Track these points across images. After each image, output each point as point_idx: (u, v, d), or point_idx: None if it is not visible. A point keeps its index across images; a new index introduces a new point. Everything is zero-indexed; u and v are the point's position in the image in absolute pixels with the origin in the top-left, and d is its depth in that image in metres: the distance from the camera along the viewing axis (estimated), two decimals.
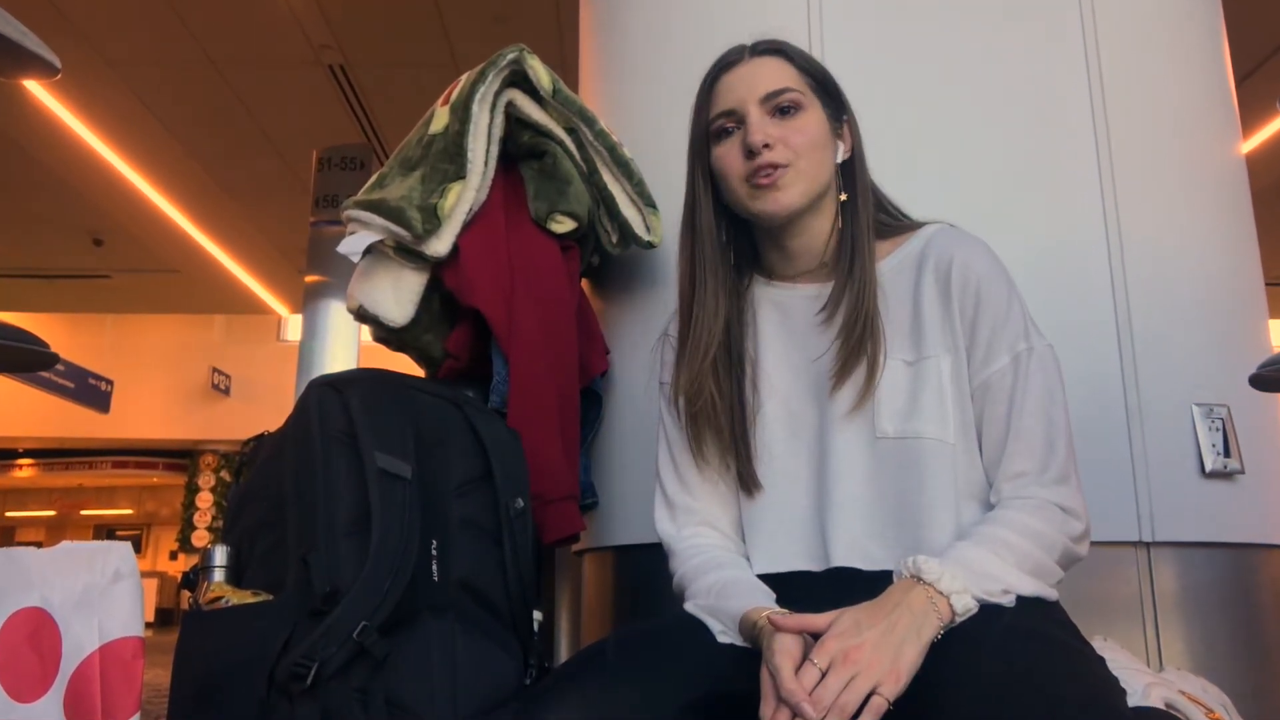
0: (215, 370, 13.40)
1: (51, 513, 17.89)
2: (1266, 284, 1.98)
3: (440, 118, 1.64)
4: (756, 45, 1.20)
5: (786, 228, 1.18)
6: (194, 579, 1.32)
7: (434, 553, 1.28)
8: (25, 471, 15.93)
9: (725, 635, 1.05)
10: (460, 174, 1.58)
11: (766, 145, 1.13)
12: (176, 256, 10.24)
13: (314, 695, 1.11)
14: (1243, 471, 1.65)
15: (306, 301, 7.10)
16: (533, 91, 1.67)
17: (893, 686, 0.87)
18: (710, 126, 1.19)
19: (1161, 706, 1.22)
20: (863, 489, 1.11)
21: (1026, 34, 1.80)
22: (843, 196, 1.18)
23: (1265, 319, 1.90)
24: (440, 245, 1.56)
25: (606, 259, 1.86)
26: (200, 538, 14.00)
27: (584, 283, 1.92)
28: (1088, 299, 1.68)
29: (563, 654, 1.99)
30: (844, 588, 1.05)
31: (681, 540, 1.20)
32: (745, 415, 1.19)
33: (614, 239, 1.76)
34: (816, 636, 0.93)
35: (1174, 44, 1.91)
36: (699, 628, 1.07)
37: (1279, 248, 4.90)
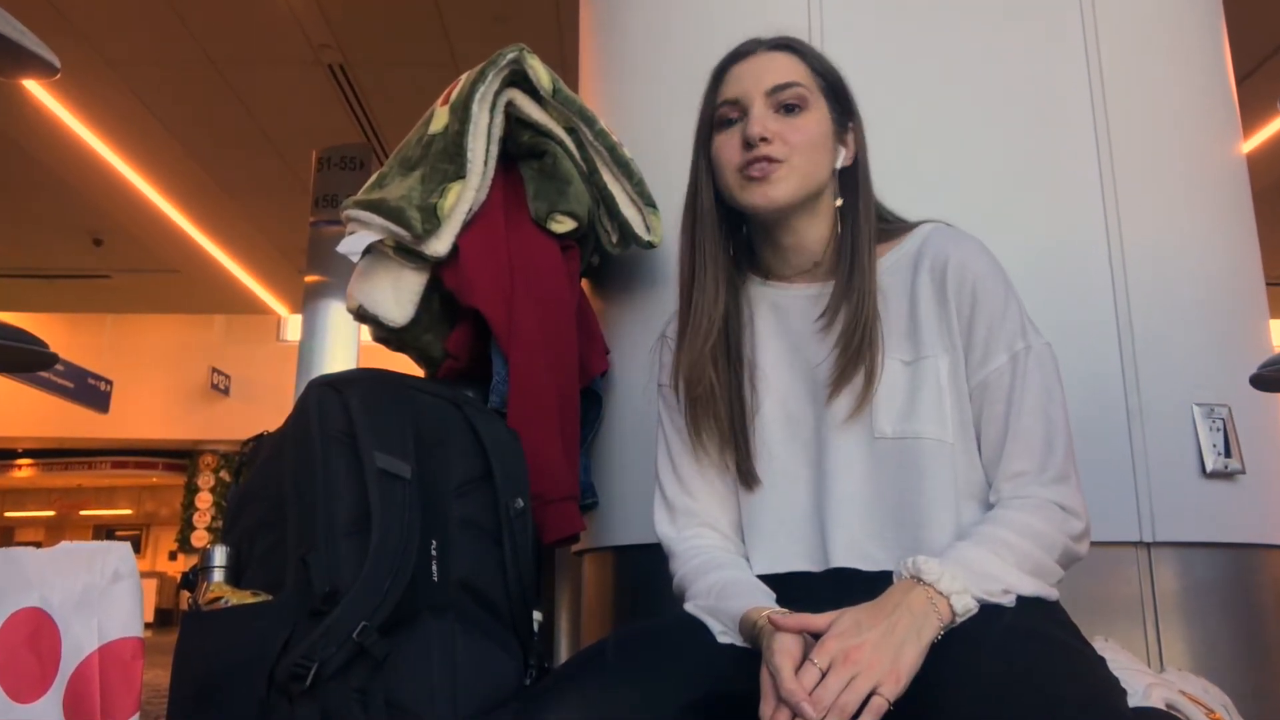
0: (215, 370, 13.41)
1: (51, 513, 17.89)
2: (1267, 284, 1.98)
3: (440, 117, 1.64)
4: (772, 40, 1.20)
5: (780, 225, 1.18)
6: (193, 579, 1.31)
7: (434, 553, 1.28)
8: (24, 472, 15.93)
9: (725, 635, 1.05)
10: (460, 174, 1.58)
11: (764, 139, 1.12)
12: (176, 256, 10.24)
13: (314, 695, 1.11)
14: (1243, 471, 1.65)
15: (306, 301, 7.10)
16: (533, 91, 1.67)
17: (893, 687, 0.87)
18: (715, 113, 1.18)
19: (1162, 707, 1.22)
20: (861, 489, 1.11)
21: (1027, 34, 1.80)
22: (838, 202, 1.18)
23: (1266, 319, 1.89)
24: (440, 245, 1.56)
25: (606, 259, 1.86)
26: (200, 538, 14.00)
27: (584, 283, 1.92)
28: (1088, 299, 1.68)
29: (563, 654, 1.98)
30: (844, 588, 1.05)
31: (681, 542, 1.20)
32: (744, 411, 1.19)
33: (614, 239, 1.76)
34: (817, 637, 0.93)
35: (1174, 44, 1.91)
36: (699, 628, 1.07)
37: None
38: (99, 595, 1.18)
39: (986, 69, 1.78)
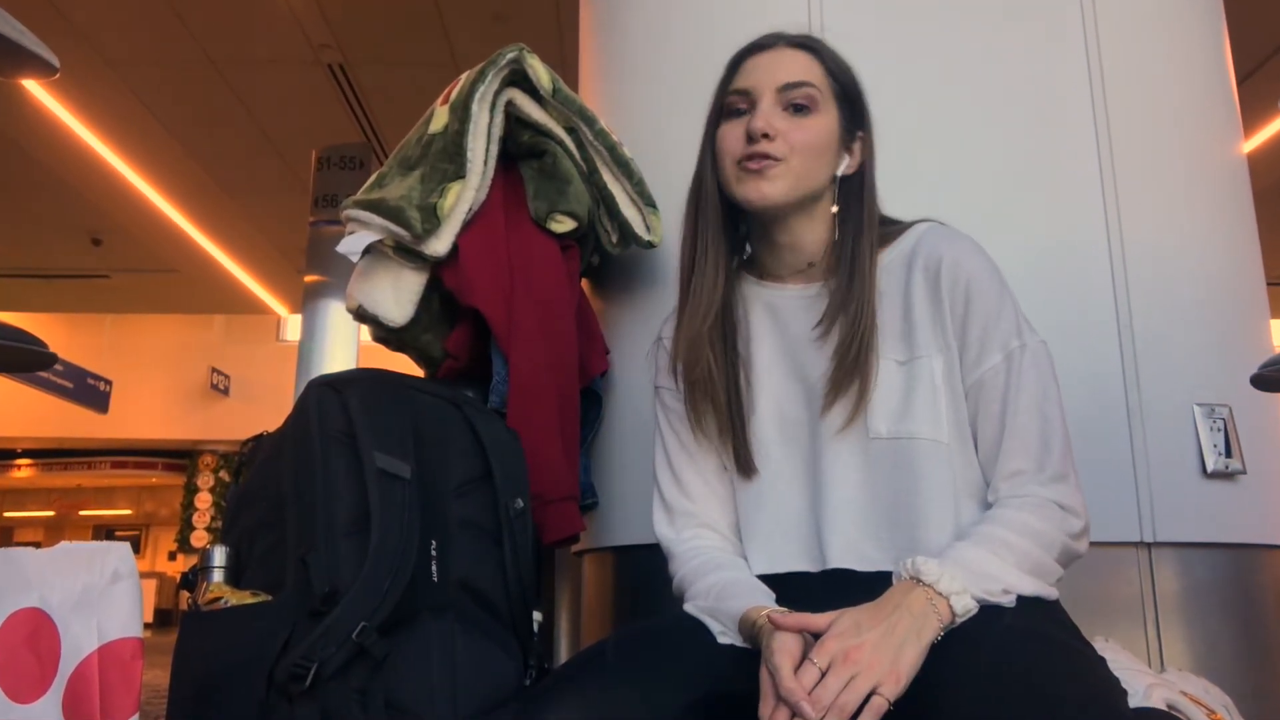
0: (214, 370, 13.40)
1: (50, 513, 17.89)
2: (1268, 284, 1.98)
3: (440, 117, 1.64)
4: (794, 37, 1.19)
5: (776, 223, 1.18)
6: (193, 579, 1.31)
7: (433, 553, 1.28)
8: (24, 472, 15.93)
9: (725, 636, 1.05)
10: (460, 173, 1.58)
11: (766, 135, 1.12)
12: (176, 256, 10.24)
13: (313, 696, 1.11)
14: (1244, 472, 1.65)
15: (306, 301, 7.10)
16: (532, 91, 1.67)
17: (893, 687, 0.87)
18: (724, 101, 1.18)
19: (1163, 707, 1.22)
20: (857, 490, 1.11)
21: (1027, 33, 1.80)
22: (834, 209, 1.18)
23: (1267, 319, 1.89)
24: (440, 245, 1.56)
25: (606, 259, 1.85)
26: (199, 538, 14.00)
27: (584, 283, 1.91)
28: (1088, 299, 1.67)
29: (563, 654, 1.98)
30: (841, 589, 1.05)
31: (681, 543, 1.20)
32: (741, 405, 1.19)
33: (614, 239, 1.76)
34: (817, 637, 0.93)
35: (1175, 43, 1.91)
36: (699, 628, 1.07)
37: None
38: (98, 595, 1.18)
39: (986, 69, 1.78)
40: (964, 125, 1.76)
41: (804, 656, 0.92)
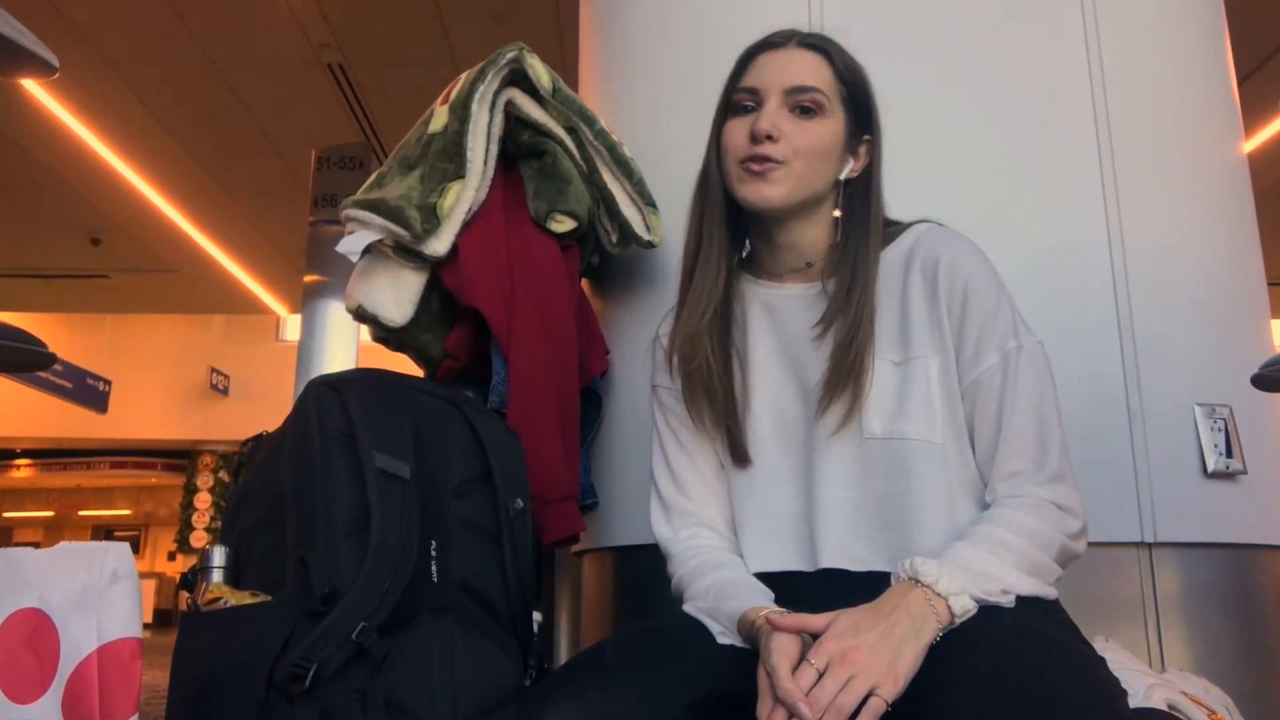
0: (214, 370, 13.40)
1: (49, 513, 17.88)
2: (1268, 284, 1.98)
3: (439, 117, 1.64)
4: (805, 36, 1.19)
5: (776, 222, 1.18)
6: (192, 580, 1.31)
7: (433, 553, 1.28)
8: (23, 472, 15.92)
9: (725, 636, 1.05)
10: (459, 173, 1.58)
11: (770, 137, 1.12)
12: (175, 256, 10.24)
13: (313, 696, 1.11)
14: (1245, 472, 1.65)
15: (305, 301, 7.10)
16: (532, 90, 1.66)
17: (891, 688, 0.87)
18: (732, 97, 1.18)
19: (1163, 707, 1.22)
20: (850, 490, 1.11)
21: (1027, 33, 1.79)
22: (836, 213, 1.17)
23: (1267, 319, 1.89)
24: (439, 245, 1.56)
25: (606, 259, 1.85)
26: (199, 538, 13.99)
27: (584, 283, 1.91)
28: (1089, 299, 1.67)
29: (563, 654, 1.98)
30: (833, 588, 1.05)
31: (679, 543, 1.20)
32: (735, 400, 1.19)
33: (614, 239, 1.76)
34: (815, 637, 0.93)
35: (1175, 43, 1.90)
36: (699, 628, 1.07)
37: None
38: (98, 596, 1.18)
39: (986, 69, 1.78)
40: (964, 125, 1.76)
41: (802, 657, 0.92)
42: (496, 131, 1.63)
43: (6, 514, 18.05)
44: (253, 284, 11.39)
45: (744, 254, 1.26)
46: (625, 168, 1.72)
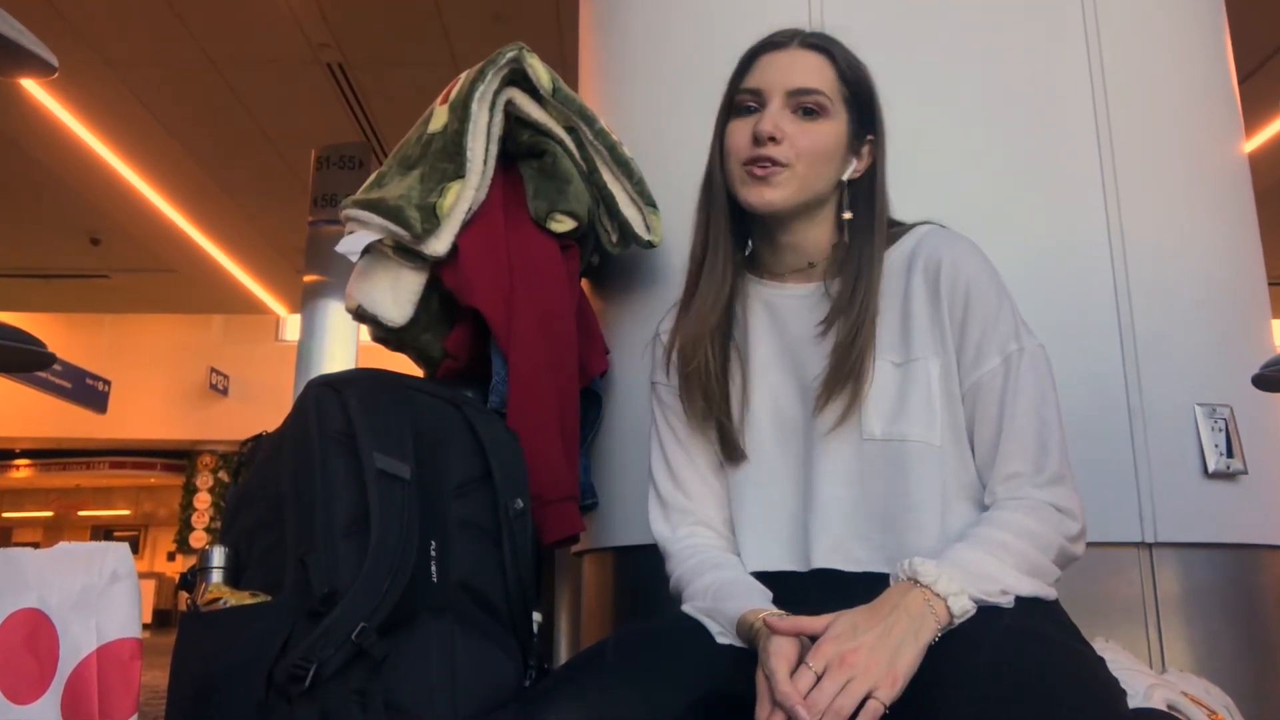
0: (213, 370, 13.40)
1: (49, 513, 17.88)
2: (1269, 284, 1.98)
3: (439, 116, 1.64)
4: (808, 36, 1.19)
5: (779, 223, 1.18)
6: (192, 580, 1.31)
7: (433, 553, 1.28)
8: (22, 472, 15.92)
9: (724, 636, 1.05)
10: (459, 173, 1.58)
11: (773, 139, 1.12)
12: (175, 256, 10.24)
13: (312, 697, 1.11)
14: (1246, 472, 1.65)
15: (305, 301, 7.11)
16: (532, 90, 1.66)
17: (889, 690, 0.87)
18: (734, 98, 1.18)
19: (1163, 708, 1.22)
20: (848, 489, 1.11)
21: (1027, 33, 1.79)
22: (847, 215, 1.17)
23: (1268, 319, 1.89)
24: (439, 245, 1.55)
25: (606, 259, 1.85)
26: (198, 538, 13.99)
27: (584, 283, 1.91)
28: (1089, 299, 1.67)
29: (562, 655, 1.98)
30: (829, 589, 1.05)
31: (677, 541, 1.20)
32: (730, 399, 1.19)
33: (614, 238, 1.76)
34: (814, 639, 0.93)
35: (1176, 43, 1.90)
36: (698, 628, 1.07)
37: None
38: (97, 596, 1.18)
39: (987, 69, 1.78)
40: (964, 125, 1.75)
41: (801, 659, 0.91)
42: (496, 131, 1.62)
43: (6, 514, 18.04)
44: (252, 284, 11.39)
45: (746, 253, 1.26)
46: (625, 167, 1.72)
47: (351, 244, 1.58)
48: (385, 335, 1.66)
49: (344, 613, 1.14)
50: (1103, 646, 1.38)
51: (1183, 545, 1.60)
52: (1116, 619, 1.56)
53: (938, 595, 0.94)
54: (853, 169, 1.17)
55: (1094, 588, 1.54)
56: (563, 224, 1.66)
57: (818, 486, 1.12)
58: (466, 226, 1.59)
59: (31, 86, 6.82)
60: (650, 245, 1.76)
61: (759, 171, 1.13)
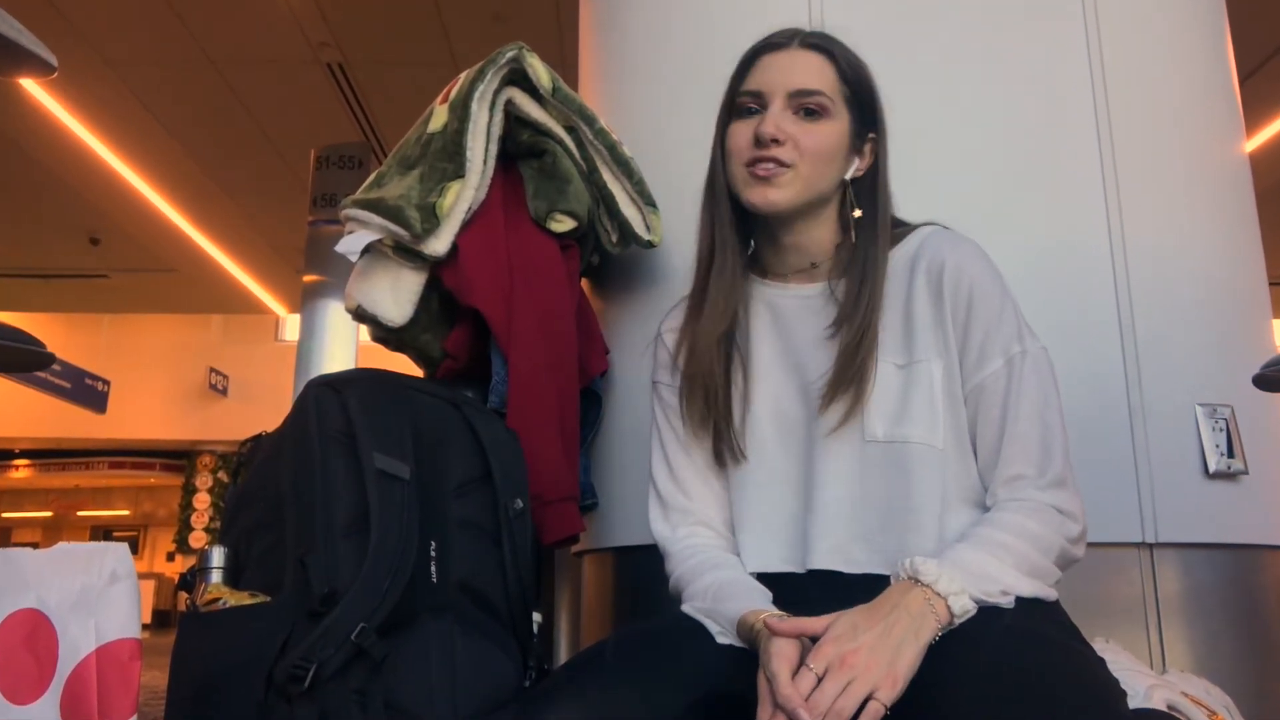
0: (213, 370, 13.39)
1: (48, 514, 17.88)
2: (1270, 284, 1.98)
3: (439, 116, 1.63)
4: (808, 36, 1.19)
5: (781, 224, 1.18)
6: (191, 580, 1.31)
7: (433, 554, 1.28)
8: (21, 472, 15.92)
9: (724, 636, 1.05)
10: (459, 173, 1.57)
11: (775, 140, 1.12)
12: (174, 256, 10.24)
13: (312, 697, 1.10)
14: (1246, 472, 1.65)
15: (304, 301, 7.10)
16: (532, 90, 1.66)
17: (889, 691, 0.87)
18: (735, 99, 1.18)
19: (1164, 708, 1.22)
20: (849, 490, 1.11)
21: (1028, 33, 1.79)
22: (857, 213, 1.17)
23: (1269, 319, 1.89)
24: (439, 244, 1.55)
25: (606, 258, 1.85)
26: (197, 539, 13.99)
27: (584, 283, 1.91)
28: (1090, 299, 1.67)
29: (562, 655, 1.98)
30: (828, 590, 1.05)
31: (677, 541, 1.20)
32: (733, 402, 1.18)
33: (614, 238, 1.76)
34: (814, 640, 0.93)
35: (1177, 43, 1.90)
36: (698, 628, 1.07)
37: None
38: (96, 596, 1.18)
39: (987, 69, 1.78)
40: (964, 125, 1.75)
41: (801, 660, 0.91)
42: (496, 131, 1.62)
43: (5, 514, 18.04)
44: (252, 284, 11.38)
45: (749, 253, 1.25)
46: (625, 167, 1.72)
47: (351, 244, 1.58)
48: (385, 335, 1.65)
49: (344, 613, 1.14)
50: (1103, 647, 1.38)
51: (1183, 545, 1.60)
52: (1117, 619, 1.56)
53: (938, 594, 0.94)
54: (855, 168, 1.17)
55: (1094, 588, 1.54)
56: (563, 224, 1.66)
57: (818, 487, 1.12)
58: (466, 226, 1.59)
59: (31, 86, 6.82)
60: (650, 245, 1.76)
61: (762, 172, 1.13)
